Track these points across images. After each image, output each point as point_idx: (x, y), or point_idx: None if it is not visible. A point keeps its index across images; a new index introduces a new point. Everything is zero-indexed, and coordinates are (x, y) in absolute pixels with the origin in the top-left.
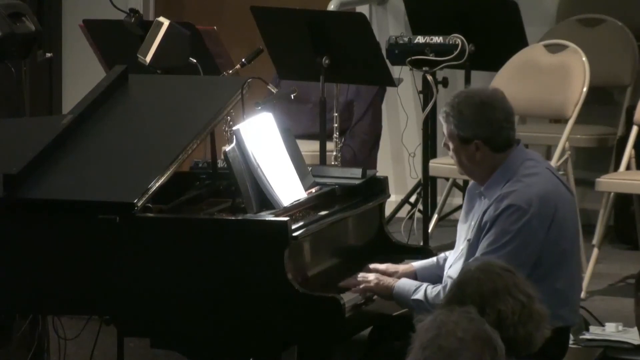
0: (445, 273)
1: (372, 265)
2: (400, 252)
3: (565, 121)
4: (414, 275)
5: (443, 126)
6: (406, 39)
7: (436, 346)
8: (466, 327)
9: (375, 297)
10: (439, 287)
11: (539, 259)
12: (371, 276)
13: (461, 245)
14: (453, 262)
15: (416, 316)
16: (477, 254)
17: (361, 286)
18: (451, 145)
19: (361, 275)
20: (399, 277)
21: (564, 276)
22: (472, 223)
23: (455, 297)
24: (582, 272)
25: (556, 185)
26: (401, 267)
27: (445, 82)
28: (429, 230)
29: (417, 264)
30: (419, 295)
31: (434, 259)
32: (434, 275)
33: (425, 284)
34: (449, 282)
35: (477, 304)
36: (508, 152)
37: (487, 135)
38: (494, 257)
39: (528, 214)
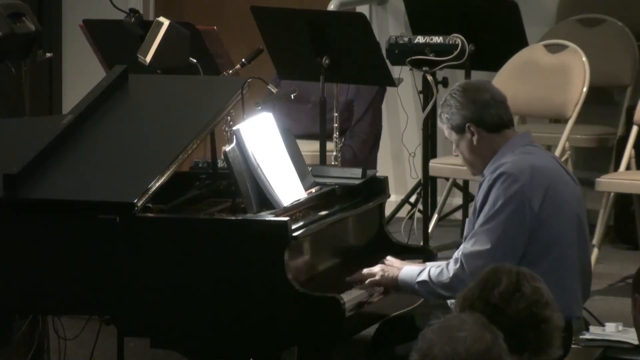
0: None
1: (389, 257)
2: (400, 252)
3: (565, 121)
4: None
5: (444, 131)
6: (406, 39)
7: (437, 328)
8: (468, 316)
9: (374, 299)
10: (442, 265)
11: (534, 235)
12: (376, 269)
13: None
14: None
15: (418, 315)
16: (476, 226)
17: (367, 281)
18: (453, 144)
19: (366, 270)
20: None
21: (562, 259)
22: None
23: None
24: (590, 270)
25: (556, 168)
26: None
27: (445, 82)
28: (429, 230)
29: (430, 264)
30: (423, 276)
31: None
32: None
33: (428, 266)
34: (451, 261)
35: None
36: (505, 133)
37: (475, 115)
38: (491, 227)
39: (519, 181)
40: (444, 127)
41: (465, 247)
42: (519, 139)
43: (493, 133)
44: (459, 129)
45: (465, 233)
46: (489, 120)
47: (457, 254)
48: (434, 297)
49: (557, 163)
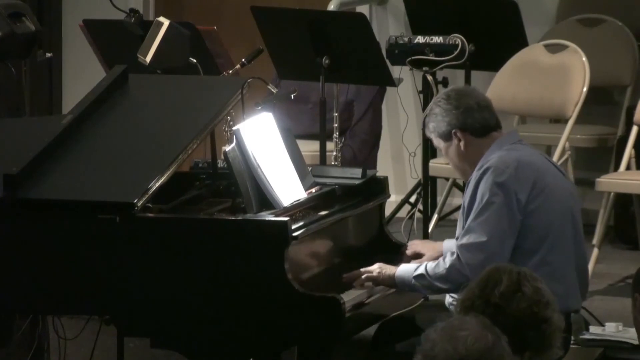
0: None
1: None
2: (400, 252)
3: (565, 121)
4: None
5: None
6: (406, 39)
7: (440, 328)
8: (471, 318)
9: (373, 298)
10: (439, 260)
11: (524, 227)
12: (373, 267)
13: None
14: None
15: (418, 314)
16: (468, 221)
17: (364, 276)
18: (442, 151)
19: (364, 270)
20: (428, 259)
21: (555, 251)
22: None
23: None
24: (587, 266)
25: (544, 163)
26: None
27: (445, 82)
28: (429, 230)
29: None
30: (420, 271)
31: None
32: None
33: (425, 262)
34: (447, 254)
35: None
36: (492, 136)
37: (459, 120)
38: (484, 219)
39: (505, 174)
40: (432, 137)
41: (461, 241)
42: (507, 138)
43: (479, 137)
44: (446, 136)
45: (457, 233)
46: (474, 125)
47: (454, 249)
48: (431, 291)
49: (545, 159)
